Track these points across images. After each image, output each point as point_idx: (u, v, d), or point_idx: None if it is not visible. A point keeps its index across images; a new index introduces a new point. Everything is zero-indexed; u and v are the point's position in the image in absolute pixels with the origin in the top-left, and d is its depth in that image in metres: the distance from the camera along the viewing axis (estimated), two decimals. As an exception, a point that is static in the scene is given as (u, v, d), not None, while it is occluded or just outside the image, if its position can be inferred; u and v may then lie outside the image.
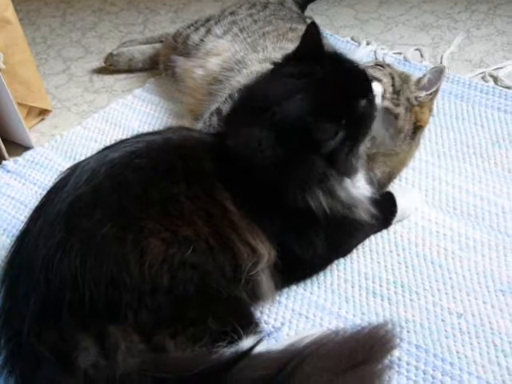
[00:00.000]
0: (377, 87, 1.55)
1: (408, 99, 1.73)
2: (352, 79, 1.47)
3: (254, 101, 1.48)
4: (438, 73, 1.75)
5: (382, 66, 1.79)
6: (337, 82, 1.44)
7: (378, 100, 1.55)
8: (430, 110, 1.81)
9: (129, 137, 1.54)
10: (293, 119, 1.36)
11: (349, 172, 1.47)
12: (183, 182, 1.36)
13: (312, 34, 1.49)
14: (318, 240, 1.48)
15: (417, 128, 1.77)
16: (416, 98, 1.74)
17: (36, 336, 1.23)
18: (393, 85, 1.71)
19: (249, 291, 1.39)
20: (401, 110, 1.70)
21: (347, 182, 1.47)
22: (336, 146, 1.37)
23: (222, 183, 1.39)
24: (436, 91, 1.77)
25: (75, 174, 1.38)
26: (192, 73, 2.12)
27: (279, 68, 1.51)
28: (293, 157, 1.37)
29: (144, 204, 1.31)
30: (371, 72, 1.69)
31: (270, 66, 1.54)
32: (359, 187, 1.52)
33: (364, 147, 1.53)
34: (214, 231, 1.34)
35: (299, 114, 1.36)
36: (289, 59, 1.52)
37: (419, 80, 1.77)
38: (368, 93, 1.48)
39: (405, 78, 1.77)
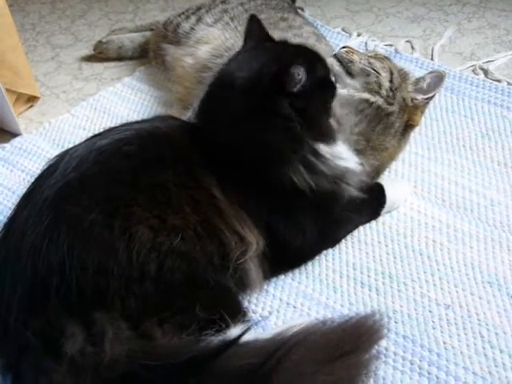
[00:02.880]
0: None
1: (404, 99, 1.72)
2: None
3: (214, 89, 1.50)
4: (439, 79, 1.74)
5: (382, 58, 1.77)
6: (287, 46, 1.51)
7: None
8: (423, 112, 1.81)
9: (117, 125, 1.54)
10: (252, 79, 1.39)
11: (324, 135, 1.47)
12: (171, 169, 1.35)
13: (254, 25, 1.54)
14: (306, 225, 1.48)
15: (408, 126, 1.77)
16: (412, 99, 1.73)
17: (22, 323, 1.22)
18: (391, 81, 1.70)
19: (237, 280, 1.39)
20: (394, 109, 1.70)
21: (326, 154, 1.47)
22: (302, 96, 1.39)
23: (209, 170, 1.39)
24: (433, 96, 1.77)
25: (64, 161, 1.37)
26: (182, 61, 2.11)
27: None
28: (262, 118, 1.39)
29: (132, 191, 1.31)
30: (371, 61, 1.69)
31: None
32: (344, 158, 1.52)
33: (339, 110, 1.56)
34: (202, 219, 1.33)
35: (258, 72, 1.39)
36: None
37: (418, 81, 1.76)
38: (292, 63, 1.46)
39: (403, 76, 1.76)
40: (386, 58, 1.79)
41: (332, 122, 1.53)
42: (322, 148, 1.46)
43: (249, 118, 1.39)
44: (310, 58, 1.47)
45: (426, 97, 1.75)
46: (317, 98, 1.44)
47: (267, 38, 1.53)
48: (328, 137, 1.48)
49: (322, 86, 1.47)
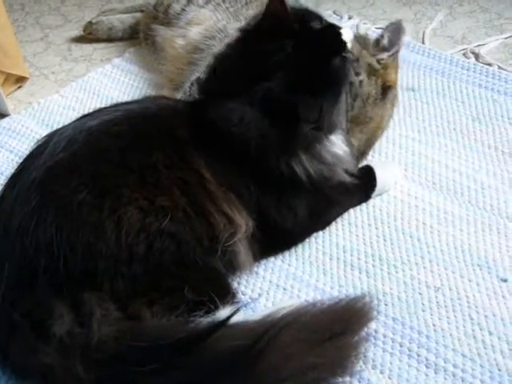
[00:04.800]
0: (347, 34, 1.51)
1: (369, 64, 1.72)
2: (323, 40, 1.46)
3: (233, 76, 1.46)
4: (397, 30, 1.74)
5: None
6: (309, 50, 1.43)
7: (349, 45, 1.52)
8: (397, 68, 1.80)
9: (107, 105, 1.54)
10: (277, 96, 1.36)
11: (332, 128, 1.47)
12: (161, 150, 1.35)
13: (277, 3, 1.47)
14: (298, 206, 1.48)
15: (386, 88, 1.76)
16: (378, 61, 1.73)
17: (10, 303, 1.22)
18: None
19: (226, 262, 1.39)
20: (362, 78, 1.69)
21: (329, 141, 1.48)
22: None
23: (199, 152, 1.38)
24: (398, 50, 1.76)
25: (52, 141, 1.36)
26: (173, 42, 2.09)
27: (250, 40, 1.49)
28: (279, 129, 1.37)
29: (122, 172, 1.30)
30: None
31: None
32: (337, 144, 1.53)
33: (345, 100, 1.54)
34: (191, 201, 1.33)
35: (282, 92, 1.37)
36: (257, 30, 1.50)
37: (377, 41, 1.76)
38: (340, 50, 1.47)
39: (362, 41, 1.75)
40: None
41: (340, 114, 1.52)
42: (327, 137, 1.47)
43: (265, 122, 1.37)
44: (330, 77, 1.45)
45: (391, 53, 1.74)
46: (331, 104, 1.44)
47: (286, 23, 1.45)
48: (336, 129, 1.49)
49: (335, 94, 1.47)
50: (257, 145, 1.38)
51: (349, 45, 1.51)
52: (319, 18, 1.52)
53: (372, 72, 1.71)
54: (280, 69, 1.39)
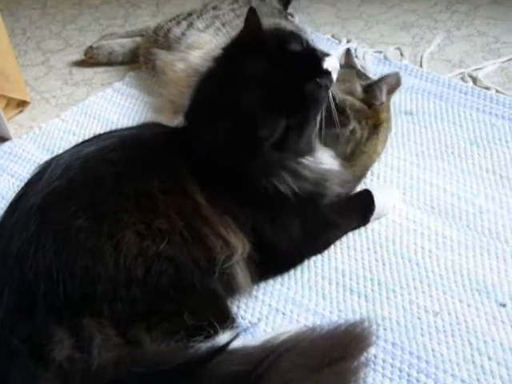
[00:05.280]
0: (332, 62, 1.50)
1: (358, 111, 1.73)
2: (298, 63, 1.46)
3: (209, 100, 1.49)
4: (395, 84, 1.77)
5: None
6: (281, 71, 1.43)
7: (334, 75, 1.51)
8: (388, 108, 1.83)
9: (104, 132, 1.57)
10: (244, 117, 1.39)
11: (304, 152, 1.50)
12: (155, 176, 1.37)
13: (252, 21, 1.49)
14: (292, 227, 1.50)
15: (377, 125, 1.79)
16: (370, 105, 1.75)
17: (10, 328, 1.22)
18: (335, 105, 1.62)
19: (224, 284, 1.39)
20: (353, 126, 1.71)
21: (306, 161, 1.50)
22: (281, 136, 1.40)
23: (192, 177, 1.40)
24: (389, 98, 1.79)
25: (50, 168, 1.39)
26: (173, 66, 2.11)
27: (227, 61, 1.52)
28: (248, 150, 1.40)
29: (118, 197, 1.32)
30: None
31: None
32: (325, 163, 1.56)
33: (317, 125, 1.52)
34: (187, 224, 1.34)
35: (248, 112, 1.39)
36: (233, 50, 1.52)
37: (371, 87, 1.77)
38: (314, 75, 1.46)
39: (348, 85, 1.77)
40: None
41: (311, 137, 1.52)
42: (300, 158, 1.50)
43: (235, 143, 1.40)
44: (292, 97, 1.44)
45: (384, 100, 1.77)
46: (298, 128, 1.45)
47: (262, 42, 1.47)
48: (307, 153, 1.51)
49: (304, 118, 1.47)
50: (240, 166, 1.41)
51: (334, 74, 1.51)
52: (301, 40, 1.51)
53: (362, 116, 1.73)
54: (248, 88, 1.41)
